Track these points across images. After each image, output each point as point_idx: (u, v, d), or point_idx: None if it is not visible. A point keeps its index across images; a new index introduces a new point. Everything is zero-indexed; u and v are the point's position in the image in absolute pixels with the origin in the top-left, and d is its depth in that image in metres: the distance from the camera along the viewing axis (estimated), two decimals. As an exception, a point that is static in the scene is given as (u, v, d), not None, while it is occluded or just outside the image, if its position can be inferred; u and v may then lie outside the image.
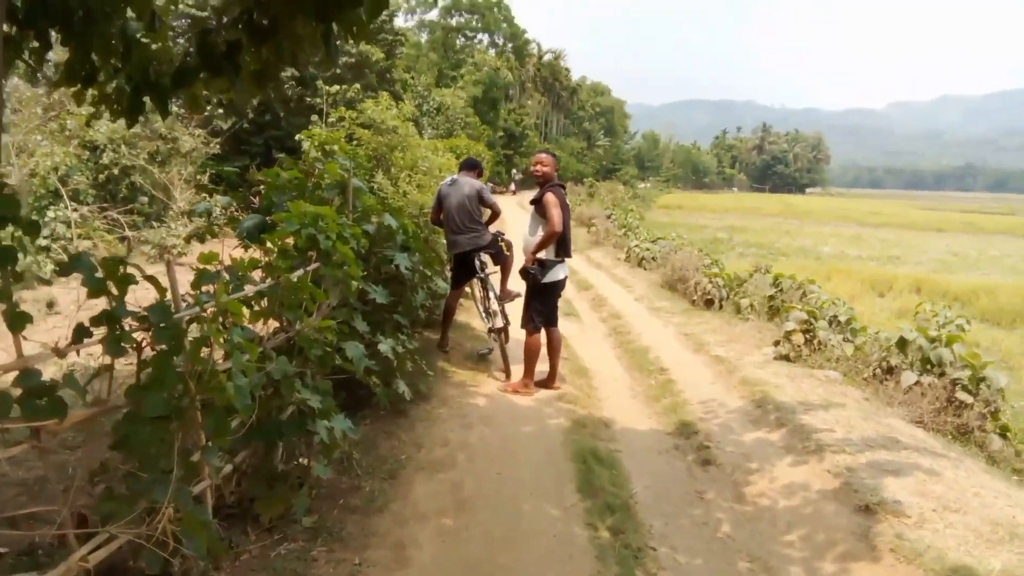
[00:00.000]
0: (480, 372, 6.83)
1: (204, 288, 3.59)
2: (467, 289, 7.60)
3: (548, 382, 6.48)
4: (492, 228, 7.48)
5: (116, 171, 15.75)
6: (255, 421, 3.50)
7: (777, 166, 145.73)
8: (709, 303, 10.29)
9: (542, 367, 6.43)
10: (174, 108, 18.83)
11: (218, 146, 20.07)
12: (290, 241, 4.52)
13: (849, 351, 7.59)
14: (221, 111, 21.84)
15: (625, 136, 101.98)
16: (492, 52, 49.66)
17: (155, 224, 15.51)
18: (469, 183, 7.20)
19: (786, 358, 7.35)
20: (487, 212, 7.36)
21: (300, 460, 4.14)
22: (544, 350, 6.43)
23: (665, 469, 5.11)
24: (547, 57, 69.20)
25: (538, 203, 6.12)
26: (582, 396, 6.34)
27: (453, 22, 59.12)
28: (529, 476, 4.60)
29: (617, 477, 4.78)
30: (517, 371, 6.54)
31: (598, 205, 31.99)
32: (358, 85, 21.88)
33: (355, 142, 8.77)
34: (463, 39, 52.83)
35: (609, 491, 4.51)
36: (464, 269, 7.17)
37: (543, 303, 6.26)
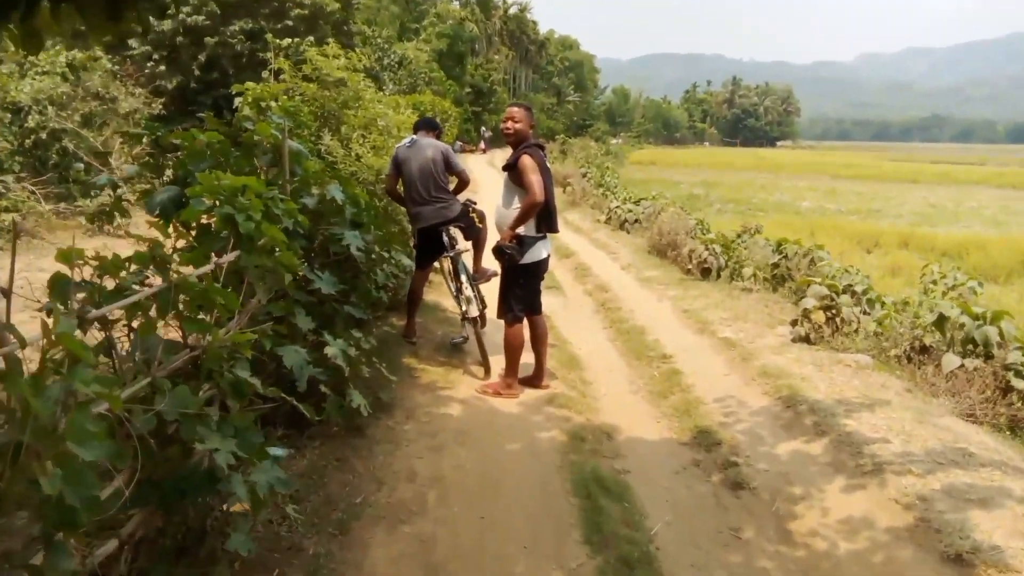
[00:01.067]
0: (454, 368, 5.77)
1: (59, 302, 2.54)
2: (437, 266, 6.54)
3: (535, 380, 5.45)
4: (461, 197, 6.38)
5: (44, 135, 14.28)
6: (147, 479, 2.49)
7: (748, 120, 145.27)
8: (706, 272, 9.29)
9: (527, 359, 5.38)
10: (109, 65, 17.25)
11: (161, 106, 18.55)
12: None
13: (871, 327, 6.63)
14: (164, 68, 20.24)
15: (595, 91, 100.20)
16: (456, 3, 47.69)
17: (95, 194, 14.12)
18: (432, 145, 6.07)
19: (806, 340, 6.37)
20: (454, 180, 6.26)
21: (216, 519, 3.08)
22: (529, 342, 5.39)
23: (687, 496, 4.11)
24: (513, 9, 67.05)
25: (512, 168, 5.01)
26: (576, 396, 5.31)
27: (416, -27, 56.69)
28: (520, 521, 3.58)
29: (630, 513, 3.77)
30: (497, 363, 5.49)
31: (572, 163, 30.76)
32: (311, 38, 20.31)
33: (299, 97, 7.52)
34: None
35: (623, 536, 3.50)
36: (430, 246, 6.07)
37: (523, 288, 5.19)
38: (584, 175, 25.13)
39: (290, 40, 21.51)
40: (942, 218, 31.91)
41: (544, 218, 4.99)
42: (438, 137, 6.33)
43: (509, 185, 5.08)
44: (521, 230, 4.98)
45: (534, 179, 4.82)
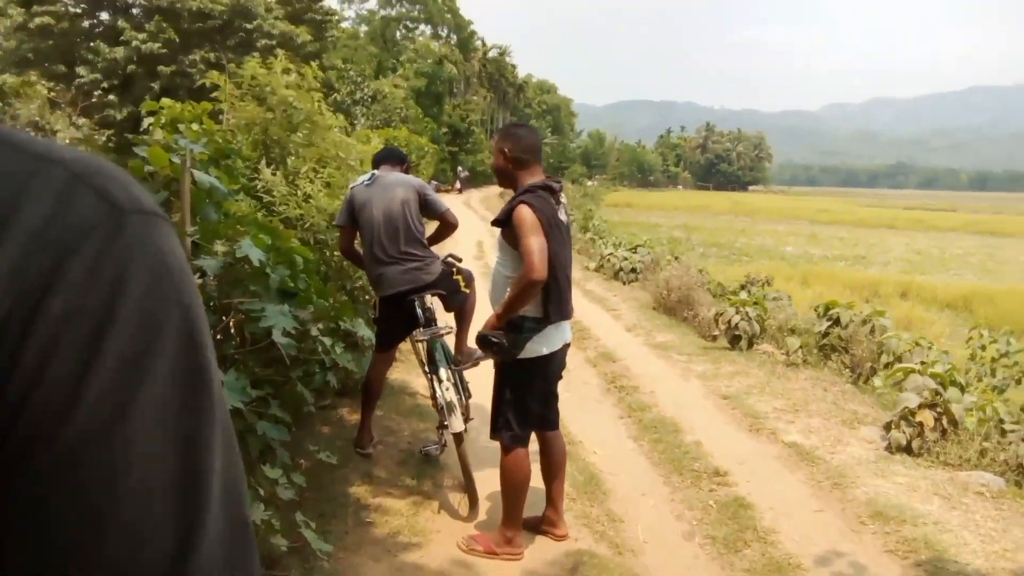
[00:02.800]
0: (426, 501, 3.99)
1: None
2: (413, 347, 4.83)
3: (547, 526, 3.71)
4: (441, 249, 4.70)
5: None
6: None
7: (720, 164, 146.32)
8: (735, 339, 7.64)
9: (533, 485, 3.63)
10: (47, 92, 15.49)
11: (108, 138, 16.78)
12: None
13: (970, 426, 5.00)
14: (113, 97, 18.50)
15: (572, 135, 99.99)
16: (435, 45, 46.63)
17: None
18: (400, 182, 4.40)
19: (907, 450, 4.70)
20: (431, 226, 4.62)
21: None
22: (539, 469, 3.67)
23: None
24: (492, 53, 66.35)
25: (503, 225, 3.38)
26: (608, 556, 3.56)
27: (393, 12, 55.66)
28: None
29: None
30: (486, 484, 3.74)
31: (552, 205, 29.39)
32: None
33: (233, 120, 5.83)
34: (404, 30, 49.63)
35: None
36: (397, 321, 4.37)
37: (523, 395, 3.46)
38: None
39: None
40: (931, 265, 30.91)
41: (551, 299, 3.32)
42: (406, 171, 4.67)
43: (503, 245, 3.41)
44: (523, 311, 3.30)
45: (533, 244, 3.14)
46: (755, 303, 7.73)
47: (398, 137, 16.79)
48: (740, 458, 4.84)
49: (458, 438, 3.97)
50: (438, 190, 38.77)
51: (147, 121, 5.63)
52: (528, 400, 3.42)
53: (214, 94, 6.12)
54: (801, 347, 7.00)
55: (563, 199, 3.43)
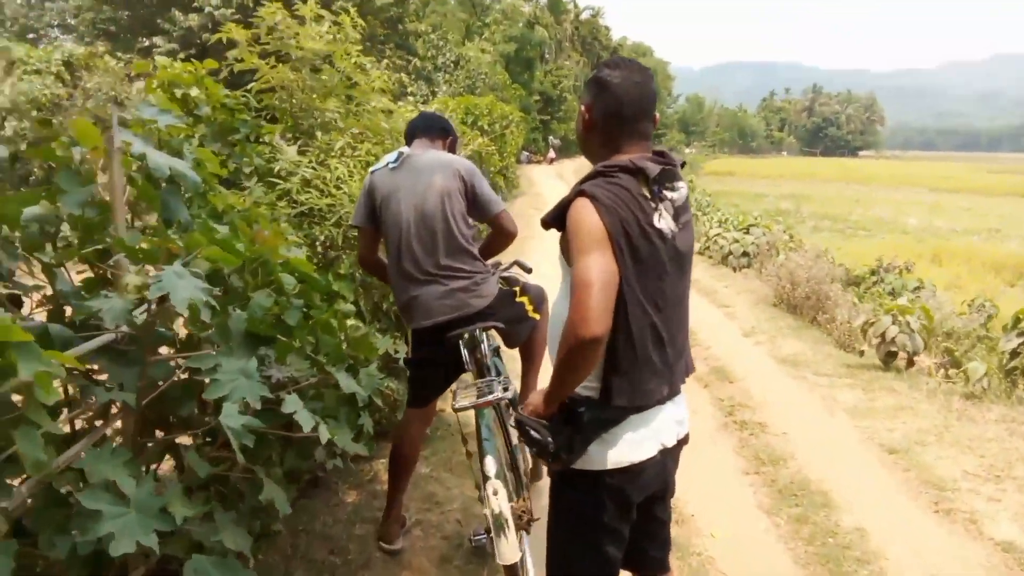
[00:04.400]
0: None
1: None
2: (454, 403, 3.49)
3: None
4: (501, 259, 3.36)
5: (23, 146, 11.86)
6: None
7: (828, 128, 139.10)
8: (890, 356, 5.98)
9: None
10: (119, 64, 14.83)
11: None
12: None
13: None
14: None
15: (668, 100, 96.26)
16: (526, 7, 44.62)
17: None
18: (440, 163, 3.06)
19: None
20: (479, 231, 3.28)
21: None
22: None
23: None
24: (585, 14, 63.73)
25: (555, 226, 1.93)
26: None
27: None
28: None
29: None
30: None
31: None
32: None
33: (257, 84, 4.62)
34: (494, -2, 48.00)
35: None
36: (436, 366, 3.07)
37: (589, 532, 1.99)
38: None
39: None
40: (1081, 239, 27.40)
41: (620, 367, 1.87)
42: (452, 148, 3.31)
43: (564, 263, 1.98)
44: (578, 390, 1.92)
45: (589, 270, 1.74)
46: (918, 309, 6.02)
47: (479, 104, 15.46)
48: (930, 565, 3.31)
49: (524, 519, 2.64)
50: (530, 160, 37.31)
51: (136, 87, 4.48)
52: (597, 540, 2.01)
53: (232, 52, 4.89)
54: (987, 375, 5.30)
55: (678, 190, 1.96)
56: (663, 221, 1.88)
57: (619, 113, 1.90)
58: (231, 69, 4.83)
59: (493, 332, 3.15)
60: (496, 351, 3.30)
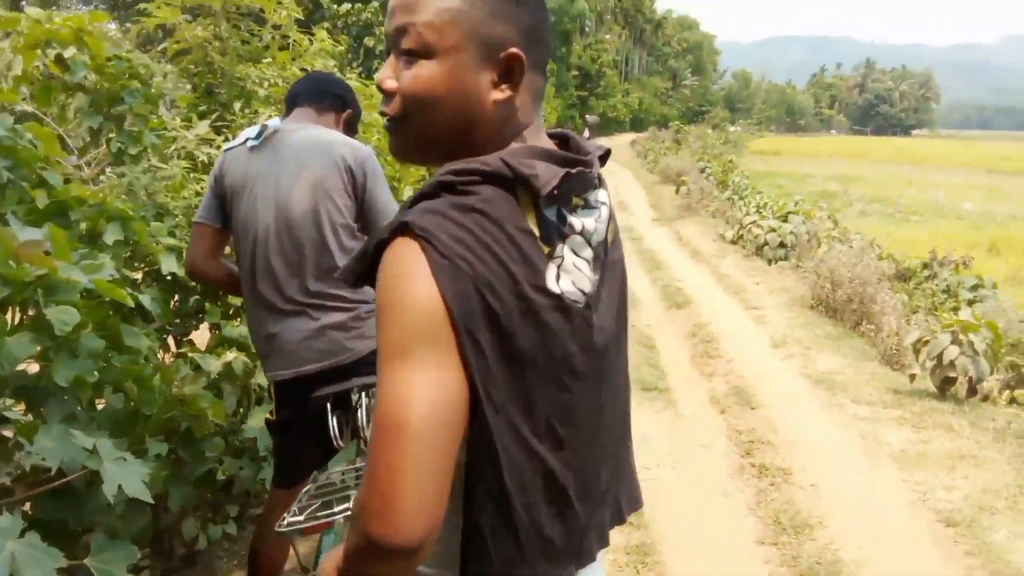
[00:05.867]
0: None
1: None
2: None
3: None
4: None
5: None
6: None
7: (880, 106, 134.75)
8: (947, 382, 4.92)
9: None
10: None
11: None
12: None
13: None
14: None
15: (714, 75, 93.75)
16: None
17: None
18: (321, 145, 2.11)
19: None
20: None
21: None
22: None
23: None
24: (629, -14, 61.82)
25: (356, 279, 0.97)
26: None
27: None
28: None
29: None
30: None
31: (687, 155, 26.16)
32: (376, 3, 16.73)
33: (165, 45, 3.74)
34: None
35: None
36: (304, 429, 2.17)
37: None
38: (702, 171, 20.57)
39: (350, 5, 18.11)
40: None
41: (487, 557, 0.92)
42: (349, 127, 2.37)
43: None
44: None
45: (395, 401, 0.82)
46: (983, 327, 4.93)
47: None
48: None
49: None
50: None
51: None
52: None
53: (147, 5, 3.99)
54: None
55: (597, 208, 0.99)
56: (567, 278, 0.93)
57: (541, 70, 1.00)
58: (144, 27, 3.97)
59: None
60: None
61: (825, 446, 4.41)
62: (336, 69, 4.39)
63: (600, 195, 1.00)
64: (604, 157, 1.02)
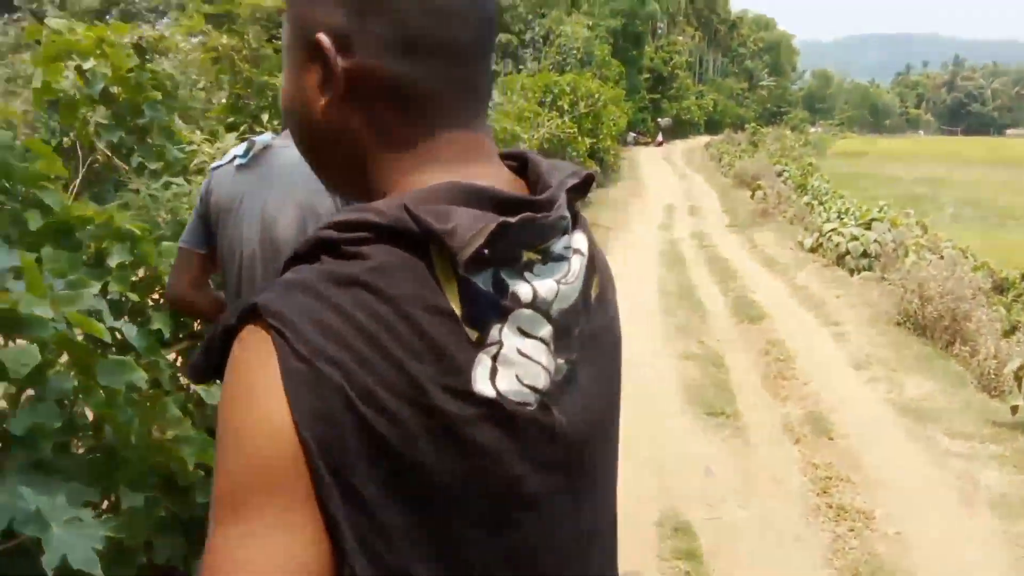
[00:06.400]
0: None
1: None
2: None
3: None
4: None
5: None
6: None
7: (972, 105, 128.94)
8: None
9: None
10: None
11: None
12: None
13: None
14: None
15: (793, 76, 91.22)
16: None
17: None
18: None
19: None
20: None
21: None
22: None
23: None
24: (702, -14, 60.64)
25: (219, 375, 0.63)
26: None
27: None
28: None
29: None
30: None
31: (764, 157, 25.28)
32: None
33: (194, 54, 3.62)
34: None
35: None
36: None
37: None
38: (779, 174, 19.78)
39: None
40: None
41: None
42: None
43: None
44: None
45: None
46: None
47: (559, 82, 14.08)
48: None
49: None
50: (637, 141, 35.49)
51: (23, 58, 3.52)
52: None
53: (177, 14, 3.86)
54: None
55: (565, 261, 0.66)
56: (508, 373, 0.60)
57: (402, 52, 0.65)
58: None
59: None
60: None
61: (913, 487, 3.95)
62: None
63: (574, 241, 0.68)
64: (582, 186, 0.70)
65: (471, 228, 0.57)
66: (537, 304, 0.62)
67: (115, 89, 3.31)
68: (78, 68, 3.24)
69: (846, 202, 13.64)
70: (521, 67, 18.58)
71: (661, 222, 14.49)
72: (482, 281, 0.60)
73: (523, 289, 0.62)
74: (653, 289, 8.64)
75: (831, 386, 5.47)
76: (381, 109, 0.65)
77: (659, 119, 39.48)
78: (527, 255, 0.63)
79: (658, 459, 4.36)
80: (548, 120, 10.80)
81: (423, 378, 0.56)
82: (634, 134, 35.84)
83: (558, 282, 0.64)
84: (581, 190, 0.70)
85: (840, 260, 9.91)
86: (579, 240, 0.69)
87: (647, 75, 41.37)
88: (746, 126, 39.39)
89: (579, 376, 0.67)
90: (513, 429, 0.61)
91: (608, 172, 19.96)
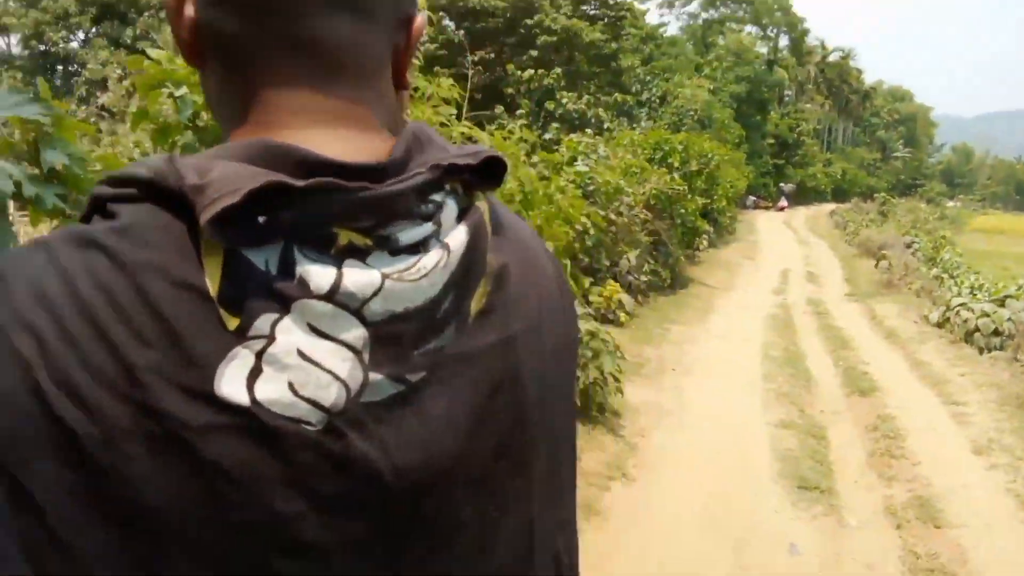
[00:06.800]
0: None
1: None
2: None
3: None
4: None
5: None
6: None
7: None
8: None
9: None
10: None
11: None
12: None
13: None
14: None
15: (930, 148, 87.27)
16: (748, 30, 41.95)
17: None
18: None
19: None
20: None
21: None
22: None
23: None
24: (834, 56, 59.25)
25: None
26: None
27: (716, 15, 51.73)
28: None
29: None
30: None
31: (893, 228, 24.01)
32: (559, 70, 16.82)
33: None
34: (727, 33, 45.79)
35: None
36: None
37: None
38: (909, 246, 18.67)
39: (533, 72, 18.38)
40: None
41: None
42: None
43: None
44: None
45: None
46: None
47: (671, 140, 13.87)
48: None
49: None
50: (756, 205, 34.56)
51: (118, 86, 3.70)
52: None
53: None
54: None
55: (436, 238, 0.53)
56: (276, 379, 0.47)
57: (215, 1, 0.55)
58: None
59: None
60: None
61: (1033, 590, 3.43)
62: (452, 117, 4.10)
63: (447, 234, 0.53)
64: (485, 172, 0.55)
65: (229, 185, 0.45)
66: (338, 297, 0.48)
67: (204, 115, 3.42)
68: (171, 95, 3.37)
69: (980, 278, 12.64)
70: (635, 126, 18.64)
71: (775, 286, 13.89)
72: (260, 257, 0.47)
73: (318, 274, 0.47)
74: (756, 352, 8.19)
75: (945, 470, 4.92)
76: (213, 67, 0.56)
77: (781, 183, 38.45)
78: (349, 237, 0.49)
79: (738, 532, 4.00)
80: (656, 176, 10.61)
81: (142, 367, 0.43)
82: (754, 198, 34.99)
83: (387, 276, 0.49)
84: (487, 178, 0.56)
85: (968, 337, 9.10)
86: (456, 235, 0.53)
87: (771, 140, 40.55)
88: (876, 196, 37.75)
89: (423, 403, 0.52)
90: (277, 451, 0.46)
91: (723, 233, 19.45)
